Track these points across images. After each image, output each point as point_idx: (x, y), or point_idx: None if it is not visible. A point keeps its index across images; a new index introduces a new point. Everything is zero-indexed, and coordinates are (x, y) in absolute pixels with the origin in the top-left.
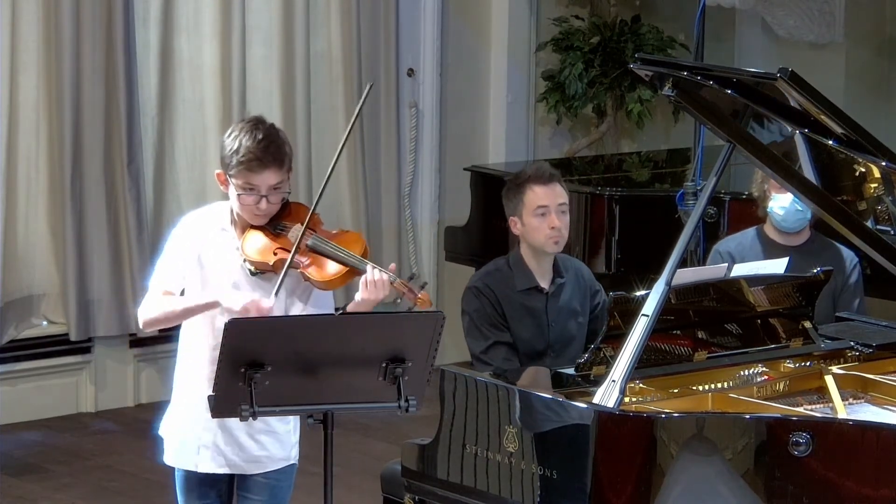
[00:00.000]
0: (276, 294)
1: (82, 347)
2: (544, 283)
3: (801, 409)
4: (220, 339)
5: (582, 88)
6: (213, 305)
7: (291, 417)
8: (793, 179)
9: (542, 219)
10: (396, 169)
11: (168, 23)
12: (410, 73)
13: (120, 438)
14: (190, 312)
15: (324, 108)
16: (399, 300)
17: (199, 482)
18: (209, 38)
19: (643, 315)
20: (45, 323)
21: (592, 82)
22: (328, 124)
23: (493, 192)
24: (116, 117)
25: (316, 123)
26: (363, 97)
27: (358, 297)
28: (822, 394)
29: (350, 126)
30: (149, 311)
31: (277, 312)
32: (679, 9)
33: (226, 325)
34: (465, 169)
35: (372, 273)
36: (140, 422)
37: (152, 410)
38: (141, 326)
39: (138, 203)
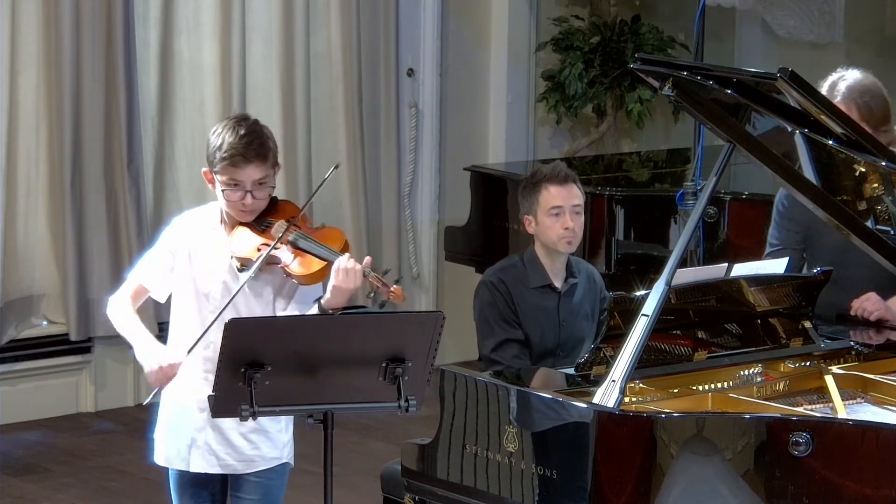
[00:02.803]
0: (245, 284)
1: (82, 347)
2: (557, 283)
3: (801, 409)
4: (209, 338)
5: (582, 88)
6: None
7: (283, 416)
8: (793, 179)
9: (556, 219)
10: (396, 169)
11: (168, 23)
12: (410, 73)
13: (120, 438)
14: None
15: (324, 108)
16: (372, 294)
17: (192, 482)
18: (209, 38)
19: (643, 315)
20: (45, 323)
21: (592, 82)
22: (328, 124)
23: (493, 192)
24: (116, 117)
25: (316, 123)
26: (326, 175)
27: (329, 285)
28: (822, 394)
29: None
30: (114, 309)
31: (263, 311)
32: (679, 9)
33: (226, 324)
34: (465, 169)
35: (344, 262)
36: (140, 422)
37: (152, 410)
38: (106, 312)
39: (138, 203)
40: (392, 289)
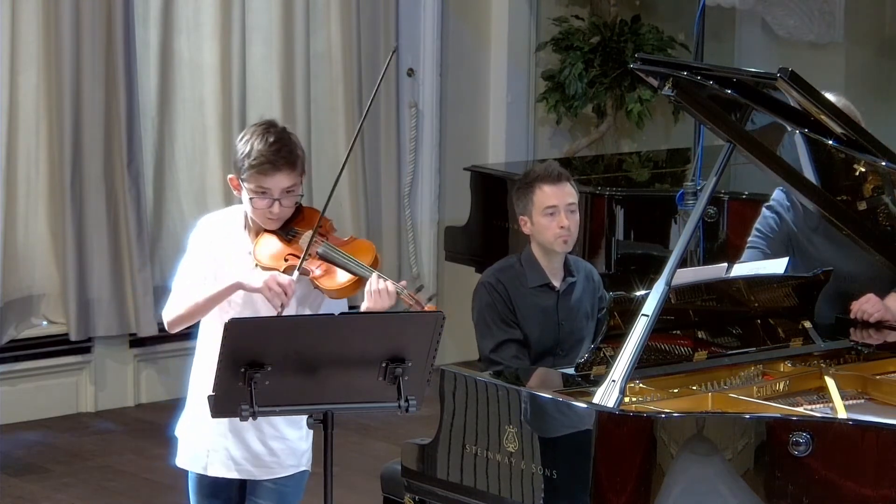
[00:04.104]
0: (286, 305)
1: (82, 347)
2: (556, 282)
3: (801, 409)
4: None
5: (582, 88)
6: (234, 288)
7: (304, 424)
8: (793, 179)
9: (552, 218)
10: (396, 169)
11: (168, 23)
12: (410, 73)
13: (120, 438)
14: (213, 301)
15: (324, 108)
16: (406, 311)
17: (210, 485)
18: (209, 38)
19: (643, 315)
20: (45, 323)
21: (592, 82)
22: (328, 124)
23: (493, 192)
24: (116, 117)
25: (316, 123)
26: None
27: (363, 307)
28: (822, 394)
29: (361, 121)
30: (174, 309)
31: None
32: (679, 9)
33: (226, 325)
34: (465, 169)
35: (377, 282)
36: (140, 422)
37: (152, 410)
38: (167, 328)
39: (138, 203)
40: (426, 307)
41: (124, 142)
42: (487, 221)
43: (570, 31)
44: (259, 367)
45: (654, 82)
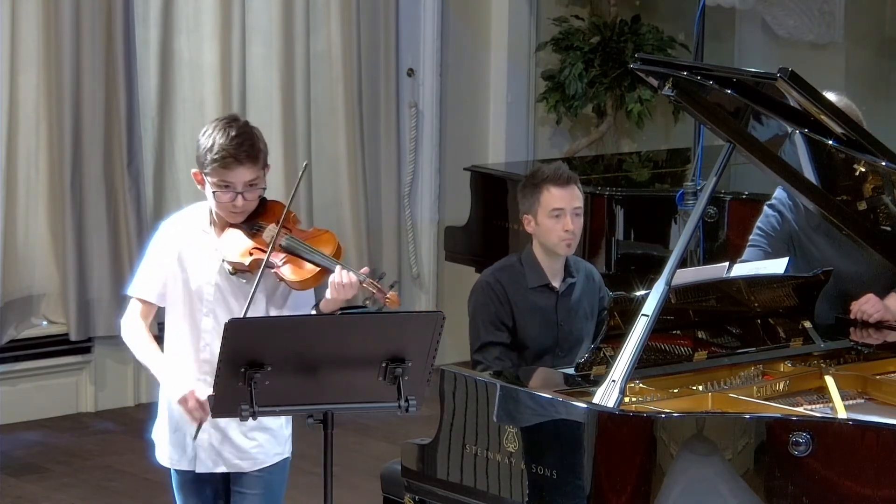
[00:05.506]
0: (253, 297)
1: (82, 347)
2: (556, 282)
3: (801, 409)
4: (205, 340)
5: (582, 88)
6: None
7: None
8: (793, 179)
9: (557, 221)
10: (396, 169)
11: (168, 23)
12: (410, 73)
13: (120, 438)
14: (148, 367)
15: (324, 108)
16: (368, 301)
17: (195, 481)
18: (209, 38)
19: (643, 315)
20: (45, 323)
21: (592, 82)
22: (328, 124)
23: (493, 192)
24: (116, 117)
25: (316, 123)
26: (300, 175)
27: (327, 295)
28: (822, 394)
29: (293, 191)
30: (125, 333)
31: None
32: (679, 9)
33: (226, 325)
34: (465, 169)
35: (339, 274)
36: (140, 422)
37: (152, 410)
38: (122, 336)
39: (138, 203)
40: (388, 295)
41: (124, 142)
42: (487, 221)
43: (570, 31)
44: (259, 367)
45: (654, 82)
